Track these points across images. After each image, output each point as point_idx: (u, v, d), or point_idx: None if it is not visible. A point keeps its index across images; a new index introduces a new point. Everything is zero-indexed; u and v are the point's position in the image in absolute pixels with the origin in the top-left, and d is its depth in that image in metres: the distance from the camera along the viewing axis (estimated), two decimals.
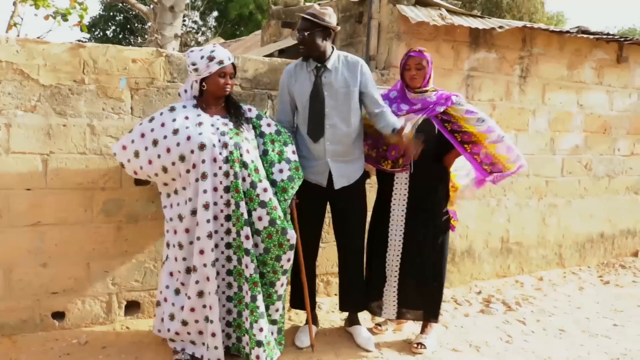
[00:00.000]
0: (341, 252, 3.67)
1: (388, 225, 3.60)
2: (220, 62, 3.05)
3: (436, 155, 3.53)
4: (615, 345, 3.77)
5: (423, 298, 3.59)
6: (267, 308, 3.19)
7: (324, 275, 4.28)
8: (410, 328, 3.83)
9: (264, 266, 3.14)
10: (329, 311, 4.12)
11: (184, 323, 3.14)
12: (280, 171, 3.26)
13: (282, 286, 3.25)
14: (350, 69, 3.41)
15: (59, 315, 3.52)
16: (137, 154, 3.09)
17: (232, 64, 3.14)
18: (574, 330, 4.02)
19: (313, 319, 3.67)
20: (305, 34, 3.31)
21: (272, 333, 3.24)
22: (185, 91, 3.22)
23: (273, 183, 3.23)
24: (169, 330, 3.19)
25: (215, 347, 3.09)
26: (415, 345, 3.53)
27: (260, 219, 3.10)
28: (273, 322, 3.26)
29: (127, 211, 3.59)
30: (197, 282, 3.06)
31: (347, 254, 3.65)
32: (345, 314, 3.87)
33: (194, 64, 3.05)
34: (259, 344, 3.08)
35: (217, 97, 3.15)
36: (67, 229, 3.46)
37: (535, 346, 3.71)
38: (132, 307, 3.72)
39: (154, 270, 3.71)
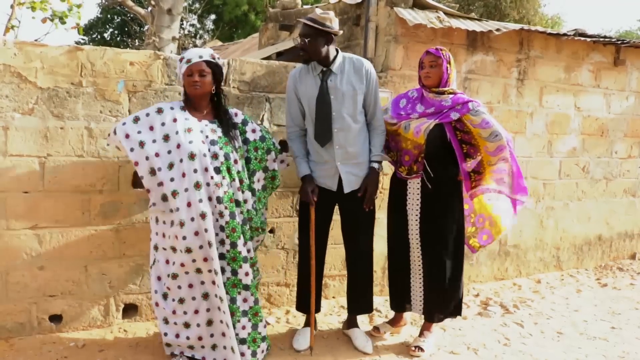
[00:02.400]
0: (350, 255, 3.64)
1: (407, 229, 3.57)
2: (188, 61, 3.01)
3: (449, 161, 3.46)
4: (613, 348, 3.77)
5: (439, 298, 3.59)
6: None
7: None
8: (408, 331, 3.83)
9: (234, 262, 3.08)
10: (327, 314, 4.11)
11: (187, 325, 3.10)
12: (258, 180, 3.29)
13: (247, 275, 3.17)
14: (357, 71, 3.39)
15: (56, 318, 3.51)
16: (132, 150, 3.02)
17: (207, 61, 3.03)
18: (571, 332, 4.03)
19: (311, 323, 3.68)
20: (307, 40, 3.27)
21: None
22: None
23: (252, 191, 3.25)
24: (165, 334, 3.16)
25: (224, 347, 3.07)
26: (413, 348, 3.52)
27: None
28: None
29: (124, 214, 3.59)
30: (202, 282, 3.06)
31: (357, 257, 3.62)
32: (344, 317, 3.86)
33: (176, 68, 3.08)
34: (243, 341, 3.10)
35: (193, 96, 3.09)
36: (65, 231, 3.45)
37: (533, 349, 3.71)
38: (130, 310, 3.71)
39: None
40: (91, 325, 3.59)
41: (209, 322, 3.11)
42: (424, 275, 3.58)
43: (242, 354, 3.08)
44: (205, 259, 2.98)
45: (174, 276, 3.05)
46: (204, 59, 3.03)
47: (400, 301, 3.73)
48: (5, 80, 3.22)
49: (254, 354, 3.14)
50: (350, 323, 3.72)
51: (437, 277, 3.53)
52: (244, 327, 3.10)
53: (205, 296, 3.08)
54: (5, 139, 3.25)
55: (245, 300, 3.11)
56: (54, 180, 3.39)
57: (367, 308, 3.73)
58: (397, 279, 3.70)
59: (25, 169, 3.32)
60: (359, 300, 3.68)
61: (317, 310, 3.67)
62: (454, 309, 3.66)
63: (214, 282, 3.02)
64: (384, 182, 4.35)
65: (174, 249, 3.03)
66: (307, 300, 3.52)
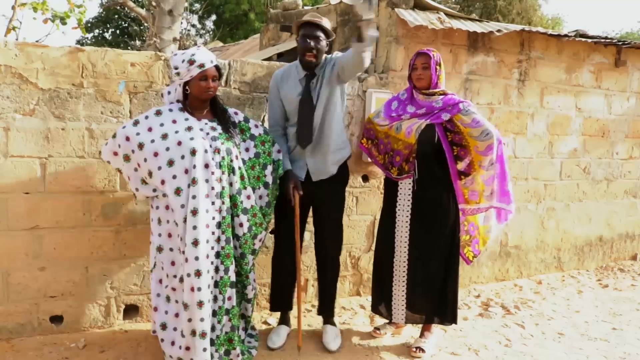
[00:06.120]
0: (319, 253, 3.70)
1: (394, 232, 3.58)
2: (201, 66, 2.96)
3: (439, 162, 3.47)
4: (614, 349, 3.77)
5: (430, 303, 3.56)
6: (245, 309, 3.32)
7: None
8: (409, 332, 3.83)
9: (227, 259, 3.06)
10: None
11: (182, 335, 3.02)
12: (271, 173, 3.31)
13: (252, 290, 3.31)
14: (329, 68, 3.39)
15: (57, 319, 3.51)
16: (127, 158, 3.02)
17: (216, 66, 3.05)
18: (572, 334, 4.02)
19: (286, 321, 3.71)
20: (324, 42, 3.32)
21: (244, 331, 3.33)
22: (169, 93, 3.13)
23: (266, 185, 3.26)
24: (162, 340, 3.10)
25: (204, 350, 2.95)
26: (414, 349, 3.52)
27: (241, 225, 3.13)
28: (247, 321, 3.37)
29: (125, 215, 3.59)
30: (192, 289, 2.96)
31: (324, 254, 3.67)
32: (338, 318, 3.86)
33: (176, 68, 2.99)
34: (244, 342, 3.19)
35: (201, 100, 3.08)
36: (66, 232, 3.45)
37: (534, 350, 3.71)
38: (131, 310, 3.72)
39: None
40: (92, 326, 3.59)
41: (193, 333, 2.94)
42: (407, 283, 3.56)
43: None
44: (208, 256, 2.95)
45: (182, 279, 2.98)
46: (214, 63, 3.04)
47: (378, 303, 3.76)
48: (6, 81, 3.22)
49: (226, 353, 3.13)
50: (326, 319, 3.74)
51: (430, 281, 3.52)
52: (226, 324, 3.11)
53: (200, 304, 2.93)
54: (6, 140, 3.26)
55: (229, 298, 3.09)
56: (54, 181, 3.39)
57: (331, 309, 3.77)
58: (379, 283, 3.72)
59: (26, 170, 3.33)
60: (325, 302, 3.75)
61: (290, 308, 3.71)
62: (450, 316, 3.61)
63: (193, 289, 2.92)
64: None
65: (179, 250, 3.00)
66: (282, 298, 3.63)
